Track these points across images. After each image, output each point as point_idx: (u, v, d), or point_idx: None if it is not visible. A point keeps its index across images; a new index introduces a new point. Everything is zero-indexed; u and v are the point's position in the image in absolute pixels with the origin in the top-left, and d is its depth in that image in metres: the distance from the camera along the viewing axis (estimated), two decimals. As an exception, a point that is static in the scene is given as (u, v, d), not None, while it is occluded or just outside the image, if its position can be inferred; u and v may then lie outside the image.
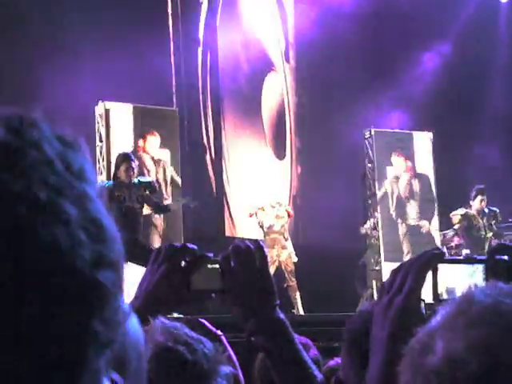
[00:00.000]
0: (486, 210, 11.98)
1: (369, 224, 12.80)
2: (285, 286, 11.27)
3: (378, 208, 12.85)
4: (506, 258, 1.34)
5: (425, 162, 13.46)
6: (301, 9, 15.28)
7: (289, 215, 11.53)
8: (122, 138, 11.40)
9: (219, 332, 2.58)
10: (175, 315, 9.48)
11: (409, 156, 13.36)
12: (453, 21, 15.14)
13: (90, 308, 0.65)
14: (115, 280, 0.67)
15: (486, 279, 1.35)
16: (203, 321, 2.52)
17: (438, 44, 15.03)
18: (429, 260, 1.35)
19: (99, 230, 0.67)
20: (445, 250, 12.41)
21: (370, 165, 13.23)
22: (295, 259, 11.36)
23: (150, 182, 10.07)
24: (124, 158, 9.85)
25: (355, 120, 13.81)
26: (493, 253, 1.38)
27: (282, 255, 11.25)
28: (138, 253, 9.69)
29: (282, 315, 1.99)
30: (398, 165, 13.24)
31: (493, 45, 15.67)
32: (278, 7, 15.33)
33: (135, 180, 9.82)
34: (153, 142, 11.64)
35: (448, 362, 0.94)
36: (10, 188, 0.63)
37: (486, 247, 11.85)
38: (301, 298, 11.18)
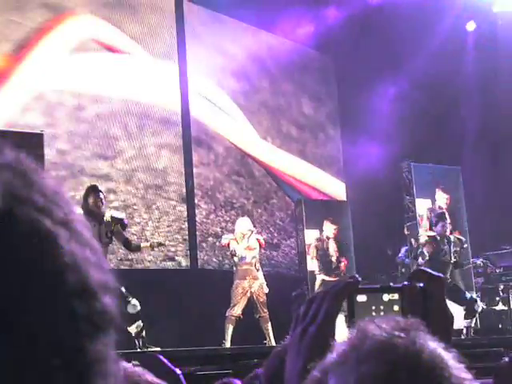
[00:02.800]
0: (452, 238, 12.01)
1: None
2: (257, 317, 11.24)
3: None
4: (422, 285, 1.32)
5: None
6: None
7: (260, 245, 11.50)
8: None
9: (178, 371, 2.56)
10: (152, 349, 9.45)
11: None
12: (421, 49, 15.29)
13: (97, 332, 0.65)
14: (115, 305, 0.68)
15: (402, 307, 1.31)
16: (162, 358, 2.48)
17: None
18: (343, 288, 1.31)
19: (98, 254, 0.67)
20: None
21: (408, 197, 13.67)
22: (266, 290, 11.33)
23: (122, 219, 10.02)
24: (91, 190, 9.83)
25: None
26: (409, 280, 1.34)
27: (254, 286, 11.22)
28: None
29: None
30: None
31: (460, 72, 15.82)
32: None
33: (107, 215, 9.79)
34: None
35: None
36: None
37: (448, 274, 11.90)
38: (272, 328, 11.14)
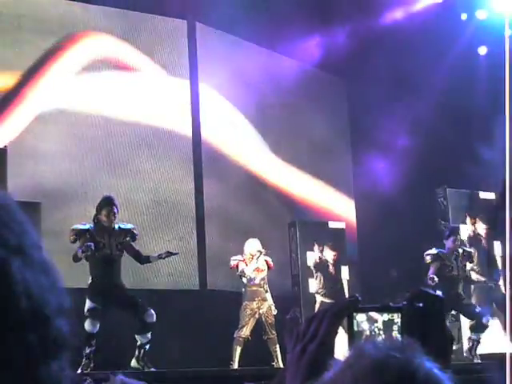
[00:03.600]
0: (460, 251, 11.98)
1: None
2: (265, 338, 11.22)
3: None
4: (421, 305, 1.31)
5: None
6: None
7: (269, 267, 11.48)
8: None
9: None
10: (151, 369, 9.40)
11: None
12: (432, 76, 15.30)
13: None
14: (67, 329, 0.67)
15: (401, 327, 1.30)
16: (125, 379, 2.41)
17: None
18: (343, 307, 1.32)
19: (54, 277, 0.66)
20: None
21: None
22: (275, 312, 11.31)
23: (130, 229, 9.96)
24: (106, 203, 9.80)
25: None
26: (409, 300, 1.34)
27: (263, 307, 11.19)
28: (121, 296, 9.65)
29: None
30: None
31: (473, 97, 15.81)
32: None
33: (116, 226, 9.77)
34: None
35: None
36: None
37: (460, 288, 11.86)
38: (280, 350, 11.11)
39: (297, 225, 13.55)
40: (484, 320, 11.81)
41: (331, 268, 13.49)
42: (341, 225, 14.14)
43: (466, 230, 13.73)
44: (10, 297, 0.61)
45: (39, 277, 0.64)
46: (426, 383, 0.94)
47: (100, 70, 13.17)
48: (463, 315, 12.19)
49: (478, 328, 11.85)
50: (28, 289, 0.62)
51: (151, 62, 13.80)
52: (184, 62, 14.20)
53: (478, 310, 12.00)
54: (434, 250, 11.86)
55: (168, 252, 10.31)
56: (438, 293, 1.34)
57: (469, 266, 12.46)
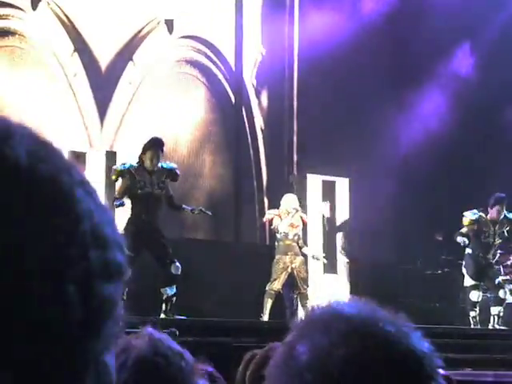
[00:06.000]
0: (501, 216, 11.73)
1: None
2: (296, 293, 11.32)
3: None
4: None
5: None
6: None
7: (303, 223, 11.55)
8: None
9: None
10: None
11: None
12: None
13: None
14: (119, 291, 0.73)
15: None
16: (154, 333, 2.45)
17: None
18: None
19: (110, 213, 0.74)
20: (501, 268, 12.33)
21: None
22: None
23: (172, 169, 9.96)
24: (153, 144, 9.78)
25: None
26: None
27: (295, 262, 11.29)
28: (155, 241, 9.60)
29: None
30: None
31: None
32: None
33: (158, 165, 9.75)
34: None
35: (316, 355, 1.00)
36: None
37: (491, 253, 11.77)
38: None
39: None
40: (501, 294, 11.69)
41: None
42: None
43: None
44: (75, 216, 0.68)
45: (99, 210, 0.71)
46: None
47: None
48: (485, 286, 11.96)
49: (497, 302, 11.67)
50: (91, 214, 0.70)
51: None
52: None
53: (497, 281, 11.90)
54: (474, 215, 11.71)
55: (201, 210, 10.37)
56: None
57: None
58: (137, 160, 9.74)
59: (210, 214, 10.65)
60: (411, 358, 1.01)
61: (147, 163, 9.64)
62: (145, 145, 9.80)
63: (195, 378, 2.06)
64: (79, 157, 10.79)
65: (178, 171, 10.00)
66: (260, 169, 14.34)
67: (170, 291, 9.68)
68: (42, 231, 0.67)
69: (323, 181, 13.66)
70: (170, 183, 9.99)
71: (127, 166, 9.69)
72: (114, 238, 0.72)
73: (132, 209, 9.74)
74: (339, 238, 13.43)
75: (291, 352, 1.02)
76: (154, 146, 9.72)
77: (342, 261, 13.17)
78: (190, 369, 2.04)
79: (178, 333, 7.93)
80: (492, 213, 11.68)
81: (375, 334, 1.01)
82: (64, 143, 10.05)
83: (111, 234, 0.72)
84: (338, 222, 13.50)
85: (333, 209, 13.53)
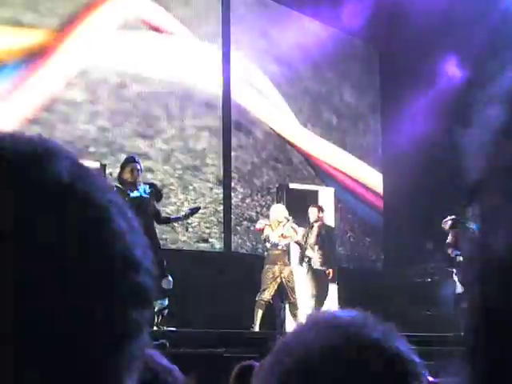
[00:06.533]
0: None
1: None
2: (286, 302, 11.30)
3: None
4: None
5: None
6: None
7: (296, 233, 11.56)
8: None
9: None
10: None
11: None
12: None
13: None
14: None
15: None
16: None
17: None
18: None
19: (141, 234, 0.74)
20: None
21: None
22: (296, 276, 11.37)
23: (153, 184, 10.13)
24: (129, 160, 9.92)
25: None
26: None
27: (284, 272, 11.27)
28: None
29: None
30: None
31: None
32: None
33: (142, 190, 9.75)
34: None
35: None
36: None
37: None
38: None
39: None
40: None
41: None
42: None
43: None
44: (108, 235, 0.69)
45: (131, 230, 0.72)
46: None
47: (132, 29, 13.17)
48: None
49: None
50: (123, 234, 0.70)
51: (183, 26, 13.74)
52: (217, 26, 14.13)
53: None
54: (451, 217, 11.84)
55: (189, 210, 10.44)
56: None
57: None
58: (117, 180, 9.76)
59: (199, 207, 10.77)
60: (397, 360, 1.04)
61: (127, 176, 9.69)
62: (121, 164, 9.99)
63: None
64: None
65: (159, 188, 10.15)
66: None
67: (161, 304, 9.69)
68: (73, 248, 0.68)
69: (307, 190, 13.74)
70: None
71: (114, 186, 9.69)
72: (144, 261, 0.73)
73: None
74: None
75: (278, 358, 1.05)
76: (130, 161, 9.87)
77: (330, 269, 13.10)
78: (178, 386, 2.01)
79: (168, 344, 7.99)
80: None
81: (363, 337, 1.05)
82: None
83: (141, 257, 0.72)
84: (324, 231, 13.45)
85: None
